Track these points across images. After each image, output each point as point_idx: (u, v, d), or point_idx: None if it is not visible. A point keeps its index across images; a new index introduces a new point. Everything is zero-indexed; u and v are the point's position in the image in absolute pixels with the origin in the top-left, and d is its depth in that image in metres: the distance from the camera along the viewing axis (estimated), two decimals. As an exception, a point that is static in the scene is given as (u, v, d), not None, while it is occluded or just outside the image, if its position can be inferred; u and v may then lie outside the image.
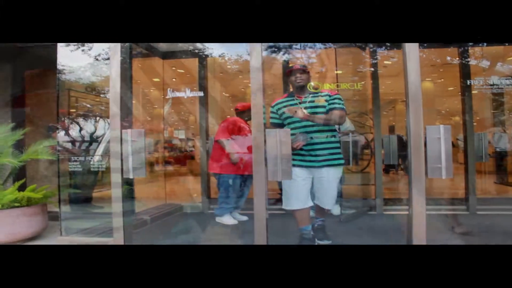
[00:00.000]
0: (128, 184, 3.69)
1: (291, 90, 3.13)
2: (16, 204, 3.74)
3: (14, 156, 4.00)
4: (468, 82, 4.59)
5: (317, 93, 2.98)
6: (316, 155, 2.95)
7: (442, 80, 7.46)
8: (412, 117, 2.75)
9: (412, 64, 2.84)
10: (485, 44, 4.96)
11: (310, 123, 2.89)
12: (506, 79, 4.72)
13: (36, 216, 3.91)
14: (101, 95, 4.79)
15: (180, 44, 5.18)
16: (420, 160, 2.66)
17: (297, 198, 3.06)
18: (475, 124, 5.98)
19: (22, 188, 3.98)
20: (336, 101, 2.94)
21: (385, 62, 5.60)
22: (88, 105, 4.94)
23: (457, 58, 5.01)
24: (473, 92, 4.62)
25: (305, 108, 2.87)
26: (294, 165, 2.79)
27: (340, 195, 4.16)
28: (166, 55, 5.36)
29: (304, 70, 2.95)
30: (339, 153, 3.06)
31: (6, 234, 3.66)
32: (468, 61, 4.93)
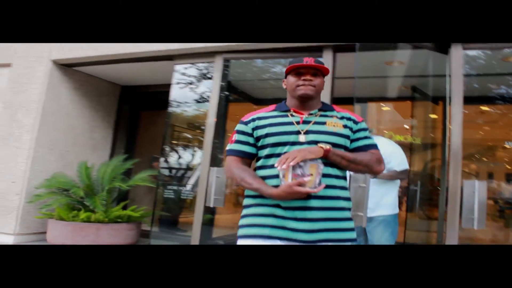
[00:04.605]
0: (211, 213, 4.51)
1: (285, 101, 1.75)
2: (119, 220, 4.68)
3: (124, 181, 5.01)
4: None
5: (330, 111, 1.71)
6: (309, 219, 1.54)
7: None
8: (452, 172, 3.18)
9: (455, 125, 3.29)
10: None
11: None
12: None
13: (132, 231, 4.82)
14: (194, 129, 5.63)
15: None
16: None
17: None
18: None
19: (123, 207, 4.94)
20: (367, 133, 1.72)
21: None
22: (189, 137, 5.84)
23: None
24: None
25: (307, 132, 1.61)
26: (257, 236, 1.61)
27: None
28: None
29: (318, 70, 1.65)
30: (347, 217, 1.64)
31: (107, 243, 4.57)
32: None
